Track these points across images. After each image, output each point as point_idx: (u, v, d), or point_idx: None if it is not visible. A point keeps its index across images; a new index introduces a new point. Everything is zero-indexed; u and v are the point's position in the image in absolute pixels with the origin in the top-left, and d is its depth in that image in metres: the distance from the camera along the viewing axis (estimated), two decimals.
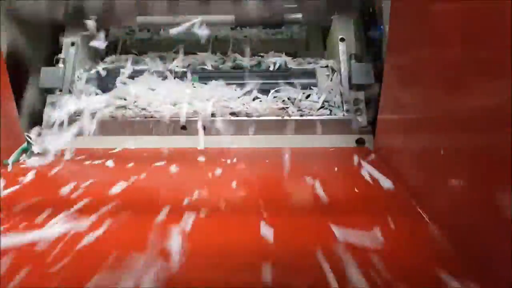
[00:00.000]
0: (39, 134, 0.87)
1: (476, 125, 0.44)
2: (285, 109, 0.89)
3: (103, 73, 0.97)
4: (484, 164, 0.42)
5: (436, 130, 0.55)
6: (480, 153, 0.43)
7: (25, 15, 0.93)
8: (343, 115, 0.88)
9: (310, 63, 1.00)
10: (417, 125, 0.62)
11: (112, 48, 1.14)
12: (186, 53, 1.04)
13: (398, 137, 0.72)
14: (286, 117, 0.88)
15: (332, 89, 0.92)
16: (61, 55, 0.97)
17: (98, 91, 0.94)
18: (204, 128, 0.86)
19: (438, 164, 0.53)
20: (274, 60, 1.00)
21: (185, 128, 0.87)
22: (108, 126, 0.88)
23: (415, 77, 0.63)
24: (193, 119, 0.87)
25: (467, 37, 0.47)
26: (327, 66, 0.97)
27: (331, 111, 0.90)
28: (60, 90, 0.94)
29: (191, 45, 1.07)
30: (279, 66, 0.99)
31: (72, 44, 0.99)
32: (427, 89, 0.58)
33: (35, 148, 0.83)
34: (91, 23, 0.94)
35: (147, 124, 0.88)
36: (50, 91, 0.94)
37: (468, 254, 0.44)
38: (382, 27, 0.92)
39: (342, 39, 0.96)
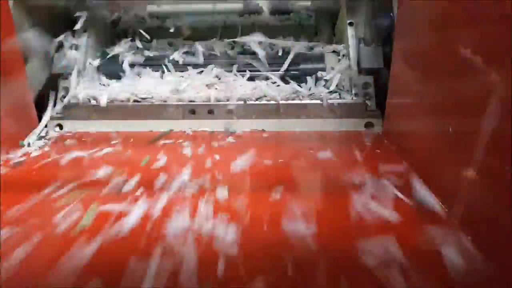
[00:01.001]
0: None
1: (486, 108, 0.44)
2: (298, 93, 0.90)
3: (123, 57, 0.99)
4: (496, 146, 0.42)
5: (446, 113, 0.55)
6: (491, 135, 0.43)
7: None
8: (352, 99, 0.89)
9: (319, 48, 1.00)
10: (426, 108, 0.62)
11: (122, 35, 1.15)
12: (194, 39, 1.05)
13: (408, 121, 0.73)
14: (297, 101, 0.88)
15: (341, 73, 0.93)
16: (74, 41, 0.98)
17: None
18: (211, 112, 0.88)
19: (448, 146, 0.54)
20: (284, 45, 1.00)
21: (194, 112, 0.89)
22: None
23: (424, 60, 0.63)
24: (202, 103, 0.89)
25: (475, 19, 0.47)
26: (334, 51, 0.98)
27: (340, 95, 0.90)
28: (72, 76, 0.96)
29: (200, 32, 1.08)
30: (288, 52, 0.99)
31: (84, 31, 1.01)
32: (436, 72, 0.58)
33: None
34: None
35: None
36: (62, 76, 0.96)
37: (479, 235, 0.45)
38: (392, 14, 0.92)
39: (351, 24, 0.96)
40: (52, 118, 0.91)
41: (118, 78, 0.97)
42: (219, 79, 0.94)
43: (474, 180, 0.46)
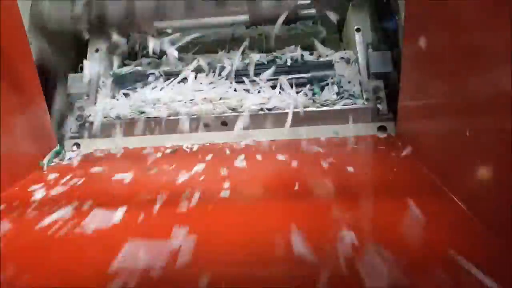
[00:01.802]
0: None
1: (499, 108, 0.44)
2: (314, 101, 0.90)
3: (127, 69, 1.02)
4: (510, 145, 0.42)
5: (460, 114, 0.55)
6: (505, 135, 0.43)
7: (51, 24, 0.98)
8: (363, 103, 0.89)
9: (327, 55, 1.01)
10: (439, 109, 0.62)
11: (133, 54, 1.17)
12: (202, 53, 1.07)
13: (421, 123, 0.72)
14: (311, 108, 0.89)
15: (350, 79, 0.93)
16: (86, 61, 1.01)
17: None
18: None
19: (463, 147, 0.53)
20: (291, 55, 1.02)
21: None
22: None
23: (435, 61, 0.63)
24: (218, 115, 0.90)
25: (485, 19, 0.47)
26: (343, 58, 0.98)
27: (351, 100, 0.91)
28: (87, 95, 0.98)
29: (208, 45, 1.10)
30: (296, 60, 1.00)
31: (96, 50, 1.03)
32: (448, 73, 0.58)
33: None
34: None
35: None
36: (77, 96, 0.98)
37: (500, 235, 0.44)
38: (396, 16, 0.93)
39: (358, 29, 0.97)
40: (68, 138, 0.93)
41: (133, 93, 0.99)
42: (235, 90, 0.95)
43: (493, 180, 0.46)
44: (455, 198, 0.54)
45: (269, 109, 0.90)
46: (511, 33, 0.41)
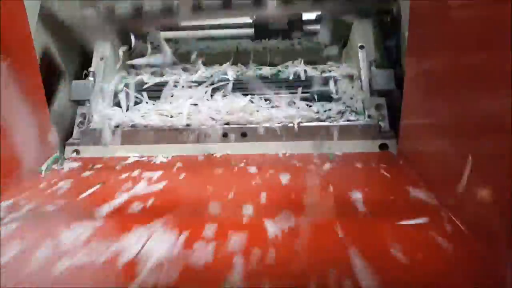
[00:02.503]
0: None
1: (500, 130, 0.44)
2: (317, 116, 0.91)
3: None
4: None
5: (461, 135, 0.55)
6: (506, 157, 0.43)
7: (59, 19, 0.98)
8: (365, 120, 0.89)
9: (330, 71, 1.02)
10: (441, 129, 0.62)
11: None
12: (207, 65, 1.08)
13: (422, 142, 0.72)
14: (313, 123, 0.89)
15: (352, 96, 0.94)
16: (91, 69, 1.01)
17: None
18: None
19: (464, 167, 0.53)
20: (294, 70, 1.02)
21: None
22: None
23: (437, 81, 0.63)
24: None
25: (486, 41, 0.47)
26: (346, 74, 0.99)
27: (353, 116, 0.91)
28: (90, 102, 0.98)
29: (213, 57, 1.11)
30: (299, 75, 1.00)
31: (101, 59, 1.04)
32: (450, 94, 0.58)
33: None
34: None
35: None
36: (80, 102, 0.98)
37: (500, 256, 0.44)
38: (399, 35, 0.94)
39: (361, 47, 0.98)
40: (68, 144, 0.93)
41: (138, 102, 1.00)
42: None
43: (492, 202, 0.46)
44: (454, 219, 0.53)
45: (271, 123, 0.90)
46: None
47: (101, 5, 1.03)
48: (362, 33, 1.00)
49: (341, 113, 0.91)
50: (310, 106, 0.94)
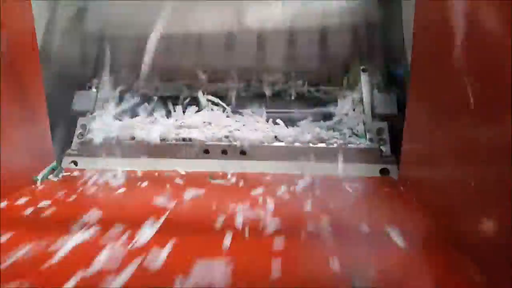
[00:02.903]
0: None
1: (502, 158, 0.43)
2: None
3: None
4: None
5: (462, 163, 0.54)
6: (510, 186, 0.42)
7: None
8: (366, 144, 0.88)
9: (332, 93, 1.02)
10: (442, 156, 0.62)
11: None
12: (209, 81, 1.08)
13: (424, 168, 0.71)
14: (311, 145, 0.88)
15: (354, 119, 0.93)
16: (95, 80, 1.02)
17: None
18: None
19: (466, 196, 0.52)
20: (296, 90, 1.02)
21: (208, 152, 0.89)
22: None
23: (440, 108, 0.63)
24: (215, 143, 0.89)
25: (488, 68, 0.47)
26: (348, 97, 0.99)
27: (354, 140, 0.90)
28: (91, 113, 0.98)
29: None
30: (302, 95, 1.00)
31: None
32: (453, 120, 0.58)
33: None
34: None
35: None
36: (82, 113, 0.98)
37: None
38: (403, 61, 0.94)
39: (364, 70, 0.98)
40: (67, 154, 0.92)
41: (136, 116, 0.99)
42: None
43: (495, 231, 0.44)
44: (457, 249, 0.52)
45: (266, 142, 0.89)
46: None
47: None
48: (365, 57, 1.00)
49: (343, 135, 0.91)
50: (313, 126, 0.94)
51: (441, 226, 0.58)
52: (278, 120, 0.94)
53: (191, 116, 0.97)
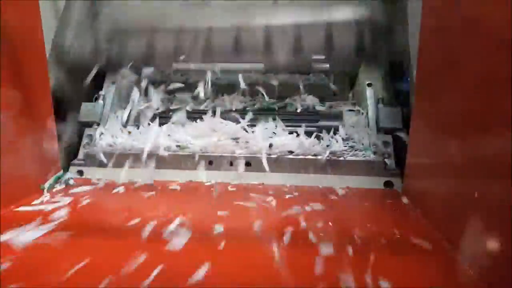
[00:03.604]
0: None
1: (505, 172, 0.43)
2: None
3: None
4: None
5: (468, 176, 0.54)
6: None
7: (70, 59, 1.01)
8: (371, 157, 0.89)
9: (338, 106, 1.03)
10: (447, 170, 0.62)
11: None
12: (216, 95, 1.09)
13: (428, 181, 0.71)
14: (317, 156, 0.89)
15: (359, 132, 0.94)
16: (102, 92, 1.03)
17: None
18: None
19: (470, 209, 0.52)
20: (302, 103, 1.03)
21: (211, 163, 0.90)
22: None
23: (444, 122, 0.63)
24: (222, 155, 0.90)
25: (491, 84, 0.48)
26: (353, 111, 1.00)
27: (359, 152, 0.90)
28: (98, 124, 0.99)
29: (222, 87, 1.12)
30: (307, 108, 1.01)
31: (113, 83, 1.06)
32: (458, 134, 0.58)
33: None
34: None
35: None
36: (88, 124, 1.00)
37: None
38: (408, 78, 0.95)
39: (369, 84, 0.99)
40: (73, 164, 0.93)
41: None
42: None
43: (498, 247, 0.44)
44: (459, 259, 0.52)
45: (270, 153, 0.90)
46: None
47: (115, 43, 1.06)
48: (371, 72, 1.01)
49: (348, 147, 0.91)
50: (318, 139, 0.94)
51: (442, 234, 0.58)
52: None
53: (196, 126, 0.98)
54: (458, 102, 0.58)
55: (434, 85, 0.69)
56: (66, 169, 0.92)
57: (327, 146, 0.91)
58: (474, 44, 0.53)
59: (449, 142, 0.61)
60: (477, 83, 0.52)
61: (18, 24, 0.72)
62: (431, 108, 0.70)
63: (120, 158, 0.90)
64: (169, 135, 0.95)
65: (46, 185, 0.81)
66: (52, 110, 0.85)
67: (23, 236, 0.56)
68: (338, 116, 0.98)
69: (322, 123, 0.97)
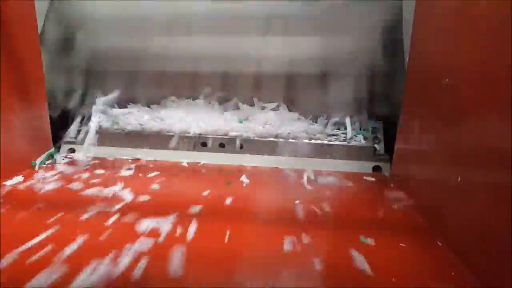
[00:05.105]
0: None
1: (488, 161, 0.45)
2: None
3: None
4: (499, 193, 0.42)
5: (451, 162, 0.56)
6: (493, 184, 0.44)
7: None
8: (361, 142, 0.90)
9: None
10: (433, 156, 0.63)
11: None
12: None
13: (415, 167, 0.73)
14: (305, 141, 0.90)
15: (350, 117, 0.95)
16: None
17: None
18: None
19: (453, 193, 0.54)
20: None
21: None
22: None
23: (432, 110, 0.64)
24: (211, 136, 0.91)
25: (479, 75, 0.49)
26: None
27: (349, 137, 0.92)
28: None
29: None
30: None
31: None
32: (446, 121, 0.59)
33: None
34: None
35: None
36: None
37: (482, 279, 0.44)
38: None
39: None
40: (65, 142, 0.94)
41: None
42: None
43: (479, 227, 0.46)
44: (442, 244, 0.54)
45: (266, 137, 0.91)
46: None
47: None
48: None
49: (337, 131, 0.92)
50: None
51: (426, 217, 0.60)
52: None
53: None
54: (445, 92, 0.59)
55: (425, 71, 0.69)
56: (58, 146, 0.92)
57: (318, 130, 0.92)
58: (465, 32, 0.54)
59: (438, 128, 0.62)
60: (465, 75, 0.53)
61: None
62: (421, 98, 0.71)
63: (112, 136, 0.91)
64: None
65: (38, 161, 0.81)
66: (44, 86, 0.84)
67: None
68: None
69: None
